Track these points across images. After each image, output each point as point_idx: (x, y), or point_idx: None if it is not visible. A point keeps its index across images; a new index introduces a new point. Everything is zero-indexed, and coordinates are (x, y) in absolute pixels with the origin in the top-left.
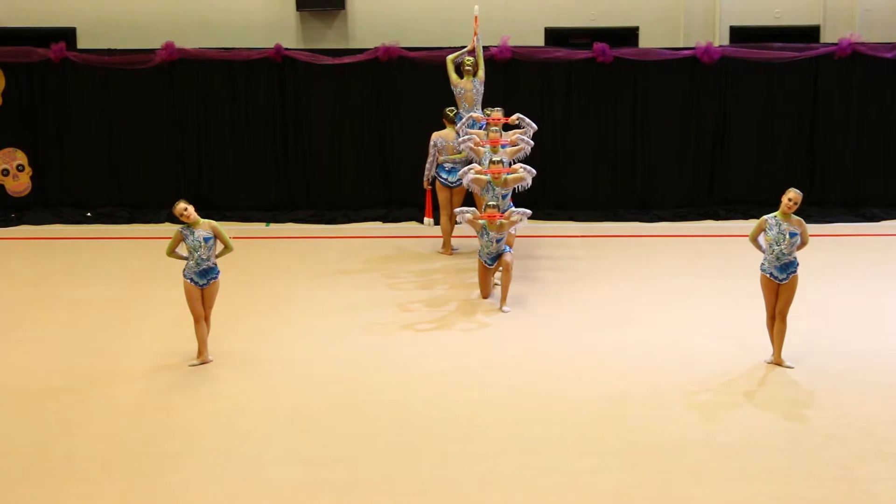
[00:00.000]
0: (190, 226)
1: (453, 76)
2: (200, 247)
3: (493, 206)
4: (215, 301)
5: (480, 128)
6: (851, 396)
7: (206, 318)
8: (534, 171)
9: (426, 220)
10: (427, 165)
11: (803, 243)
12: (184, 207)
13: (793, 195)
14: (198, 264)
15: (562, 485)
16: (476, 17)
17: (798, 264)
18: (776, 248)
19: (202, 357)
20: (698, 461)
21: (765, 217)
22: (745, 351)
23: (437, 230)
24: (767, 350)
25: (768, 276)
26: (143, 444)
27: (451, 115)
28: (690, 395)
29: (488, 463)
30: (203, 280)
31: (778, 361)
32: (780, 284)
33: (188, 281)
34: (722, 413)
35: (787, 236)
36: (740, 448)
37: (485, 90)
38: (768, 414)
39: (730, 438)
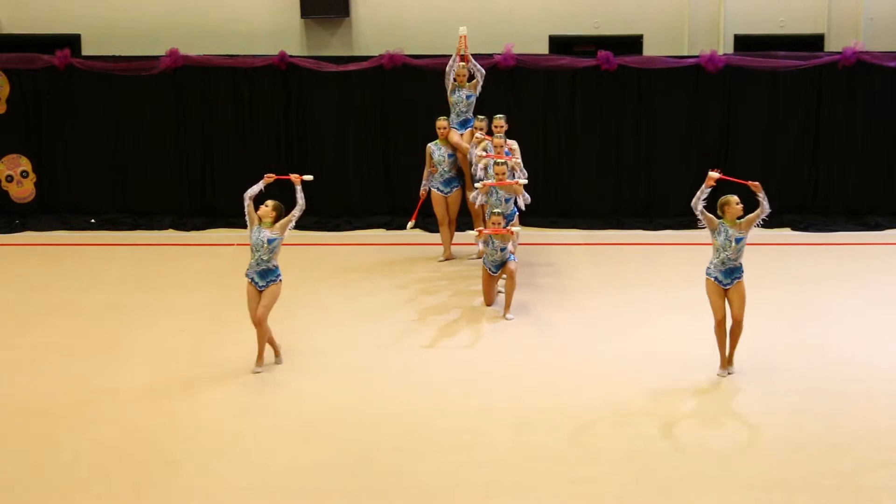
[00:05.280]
0: (261, 224)
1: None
2: (262, 247)
3: (499, 213)
4: (274, 304)
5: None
6: (854, 405)
7: (262, 320)
8: (525, 175)
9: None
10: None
11: (751, 222)
12: (270, 203)
13: (734, 200)
14: (258, 264)
15: (564, 492)
16: (463, 37)
17: (743, 271)
18: (723, 253)
19: (260, 361)
20: (700, 469)
21: (718, 222)
22: (748, 360)
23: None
24: (770, 358)
25: (713, 279)
26: (146, 452)
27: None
28: (693, 403)
29: (491, 470)
30: (263, 282)
31: (727, 364)
32: (726, 289)
33: (249, 282)
34: (724, 421)
35: (734, 242)
36: (743, 456)
37: (490, 97)
38: (771, 422)
39: (732, 447)
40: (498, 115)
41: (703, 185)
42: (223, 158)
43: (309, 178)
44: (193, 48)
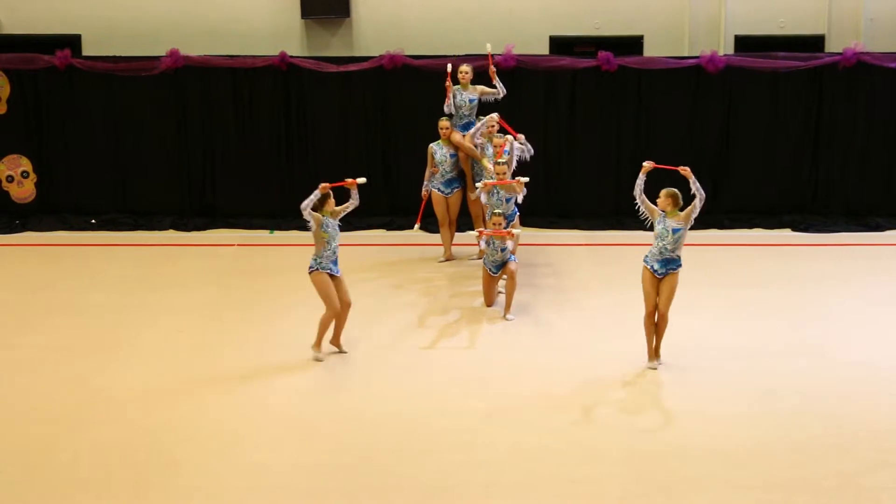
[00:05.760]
0: (327, 215)
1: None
2: (337, 235)
3: (499, 214)
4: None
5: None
6: (854, 405)
7: (349, 304)
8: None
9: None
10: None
11: (689, 214)
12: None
13: (663, 193)
14: (334, 253)
15: (564, 492)
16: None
17: (681, 265)
18: (660, 242)
19: (318, 347)
20: (701, 470)
21: (659, 212)
22: (748, 360)
23: (438, 238)
24: (771, 359)
25: (649, 268)
26: (146, 452)
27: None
28: (693, 404)
29: (491, 470)
30: (336, 268)
31: (654, 356)
32: (659, 279)
33: (324, 272)
34: (724, 422)
35: (671, 232)
36: (743, 457)
37: (490, 97)
38: (771, 423)
39: (732, 447)
40: (494, 115)
41: (640, 174)
42: (223, 159)
43: (362, 180)
44: (193, 48)
